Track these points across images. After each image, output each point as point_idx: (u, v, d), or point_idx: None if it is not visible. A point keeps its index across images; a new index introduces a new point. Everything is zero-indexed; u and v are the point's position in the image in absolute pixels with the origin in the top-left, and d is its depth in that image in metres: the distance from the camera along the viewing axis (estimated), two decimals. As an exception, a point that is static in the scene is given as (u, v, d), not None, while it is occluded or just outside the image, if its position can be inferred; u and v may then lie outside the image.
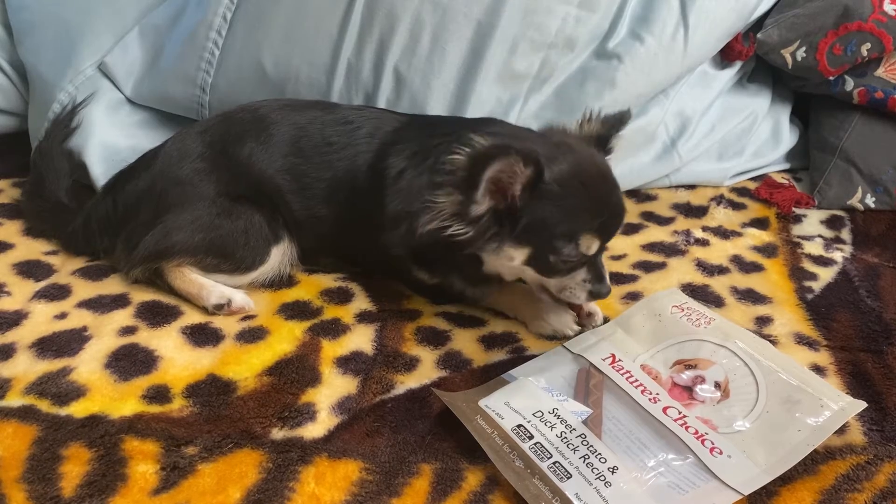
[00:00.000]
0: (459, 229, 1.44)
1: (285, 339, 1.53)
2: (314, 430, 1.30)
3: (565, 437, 1.25)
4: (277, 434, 1.29)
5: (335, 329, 1.57)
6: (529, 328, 1.60)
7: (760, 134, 2.33)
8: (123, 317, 1.59)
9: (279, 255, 1.72)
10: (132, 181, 1.75)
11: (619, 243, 1.94)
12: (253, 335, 1.54)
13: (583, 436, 1.25)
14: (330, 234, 1.73)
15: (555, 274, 1.51)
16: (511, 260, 1.50)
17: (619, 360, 1.42)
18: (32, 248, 1.84)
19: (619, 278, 1.78)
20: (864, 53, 2.15)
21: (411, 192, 1.56)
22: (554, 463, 1.20)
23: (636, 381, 1.37)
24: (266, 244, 1.69)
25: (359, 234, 1.70)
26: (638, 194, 2.20)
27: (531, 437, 1.25)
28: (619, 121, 1.61)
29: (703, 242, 1.95)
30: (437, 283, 1.68)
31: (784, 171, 2.36)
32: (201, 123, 1.93)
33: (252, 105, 1.82)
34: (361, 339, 1.54)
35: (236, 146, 1.71)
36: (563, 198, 1.43)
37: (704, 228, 2.02)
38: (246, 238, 1.67)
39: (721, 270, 1.82)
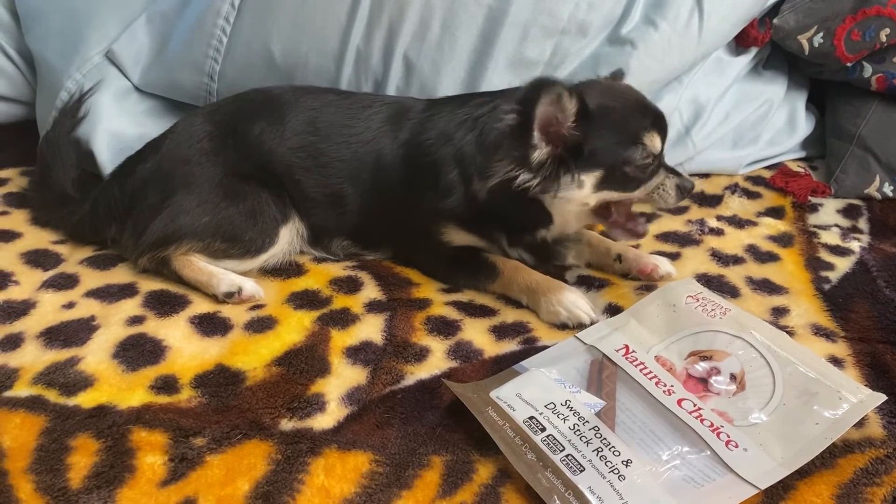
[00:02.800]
0: (527, 179, 1.52)
1: (294, 328, 1.52)
2: (323, 422, 1.29)
3: (578, 430, 1.23)
4: (286, 425, 1.28)
5: (344, 319, 1.55)
6: (541, 316, 1.57)
7: (776, 121, 2.29)
8: (131, 306, 1.58)
9: (288, 236, 1.72)
10: (140, 164, 1.75)
11: (632, 232, 1.91)
12: (262, 325, 1.53)
13: (596, 428, 1.23)
14: (351, 213, 1.73)
15: (638, 184, 1.60)
16: (581, 188, 1.56)
17: (633, 351, 1.40)
18: (40, 238, 1.83)
19: (632, 268, 1.75)
20: (883, 39, 2.12)
21: (464, 158, 1.62)
22: (566, 455, 1.18)
23: (650, 372, 1.35)
24: (275, 225, 1.68)
25: (385, 209, 1.71)
26: (651, 183, 2.17)
27: (543, 430, 1.23)
28: (616, 75, 1.78)
29: (718, 232, 1.93)
30: (464, 251, 1.69)
31: (800, 159, 2.33)
32: (211, 105, 1.93)
33: (264, 88, 1.83)
34: (371, 329, 1.53)
35: (246, 125, 1.72)
36: (611, 113, 1.55)
37: (719, 218, 1.99)
38: (254, 219, 1.66)
39: (736, 260, 1.80)
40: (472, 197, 1.61)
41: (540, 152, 1.50)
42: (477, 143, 1.61)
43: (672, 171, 1.64)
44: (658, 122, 1.60)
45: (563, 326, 1.55)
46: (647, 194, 1.62)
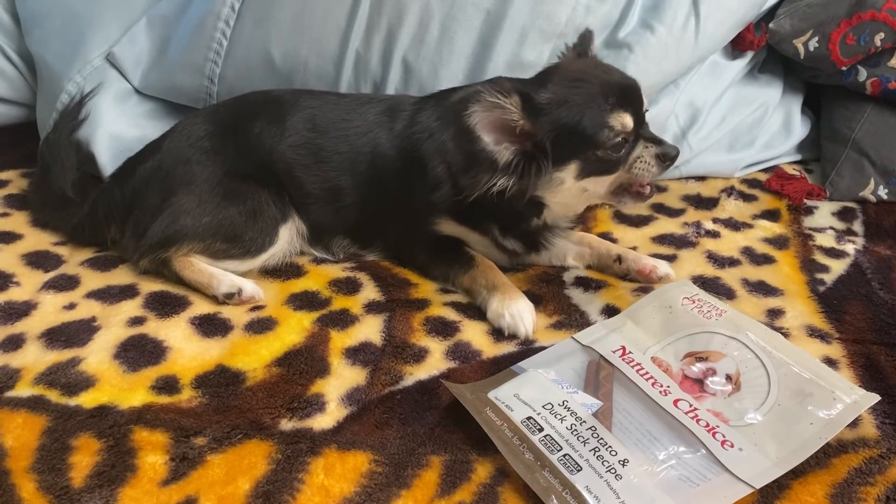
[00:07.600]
0: (503, 182, 1.49)
1: (294, 329, 1.53)
2: (323, 422, 1.30)
3: (575, 430, 1.24)
4: (286, 425, 1.29)
5: (344, 320, 1.57)
6: (487, 314, 1.57)
7: (771, 125, 2.31)
8: (132, 307, 1.59)
9: (287, 236, 1.73)
10: (140, 165, 1.76)
11: (628, 235, 1.93)
12: (261, 326, 1.54)
13: (593, 428, 1.24)
14: (349, 206, 1.74)
15: (616, 165, 1.54)
16: (563, 183, 1.54)
17: (630, 352, 1.41)
18: (41, 239, 1.84)
19: (629, 270, 1.76)
20: (878, 43, 2.13)
21: (447, 154, 1.60)
22: (564, 455, 1.19)
23: (646, 373, 1.36)
24: (274, 224, 1.70)
25: (381, 201, 1.72)
26: (648, 185, 2.18)
27: (541, 430, 1.24)
28: (583, 38, 1.70)
29: (714, 234, 1.94)
30: (449, 242, 1.70)
31: (795, 162, 2.34)
32: (212, 106, 1.94)
33: (264, 90, 1.84)
34: (370, 330, 1.54)
35: (246, 124, 1.73)
36: (568, 98, 1.49)
37: (715, 220, 2.01)
38: (254, 219, 1.67)
39: (732, 262, 1.81)
40: (462, 191, 1.59)
41: (502, 154, 1.46)
42: (454, 139, 1.58)
43: (652, 140, 1.56)
44: (625, 98, 1.51)
45: (498, 332, 1.54)
46: (629, 170, 1.56)
